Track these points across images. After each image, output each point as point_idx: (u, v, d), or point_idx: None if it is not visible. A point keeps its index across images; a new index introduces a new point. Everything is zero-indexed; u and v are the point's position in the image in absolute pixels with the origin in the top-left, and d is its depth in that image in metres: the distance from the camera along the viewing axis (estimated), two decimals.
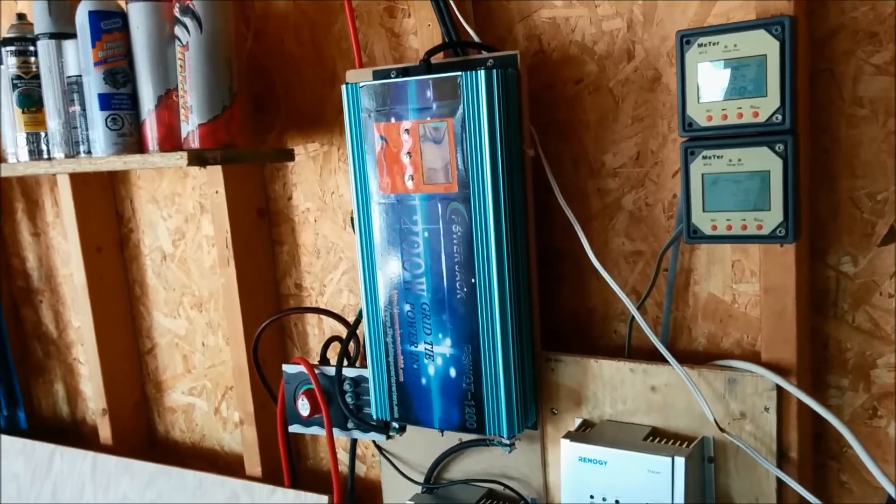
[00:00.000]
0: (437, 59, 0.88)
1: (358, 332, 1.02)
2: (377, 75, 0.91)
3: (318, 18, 1.07)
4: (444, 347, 0.86)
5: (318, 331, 1.18)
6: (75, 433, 1.55)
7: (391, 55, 1.02)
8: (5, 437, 1.45)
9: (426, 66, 0.84)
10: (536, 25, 0.91)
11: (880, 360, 0.78)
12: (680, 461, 0.74)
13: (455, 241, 0.83)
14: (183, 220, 1.28)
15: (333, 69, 1.07)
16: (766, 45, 0.67)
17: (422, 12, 0.92)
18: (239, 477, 1.19)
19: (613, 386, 0.84)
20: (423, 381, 0.88)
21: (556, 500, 0.91)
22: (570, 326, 0.95)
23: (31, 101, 1.11)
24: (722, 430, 0.76)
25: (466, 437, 0.94)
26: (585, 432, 0.84)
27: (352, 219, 1.06)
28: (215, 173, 1.11)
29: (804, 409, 0.76)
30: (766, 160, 0.69)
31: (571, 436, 0.82)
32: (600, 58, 0.87)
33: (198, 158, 0.89)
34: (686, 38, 0.71)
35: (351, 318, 1.05)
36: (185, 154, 0.89)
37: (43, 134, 1.12)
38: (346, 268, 1.13)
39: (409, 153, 0.84)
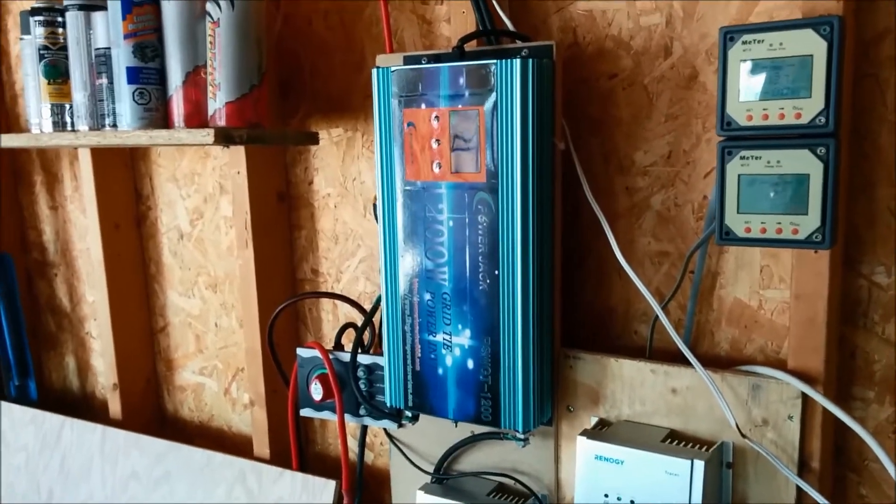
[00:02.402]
0: (470, 47, 0.87)
1: (374, 319, 1.02)
2: (408, 61, 0.90)
3: (348, 3, 1.06)
4: (463, 338, 0.85)
5: (332, 317, 1.18)
6: (84, 407, 1.55)
7: (421, 42, 1.01)
8: (16, 407, 1.45)
9: (459, 53, 0.83)
10: (572, 17, 0.89)
11: None
12: (700, 464, 0.73)
13: (480, 232, 0.82)
14: (202, 199, 1.27)
15: (362, 54, 1.06)
16: (813, 44, 0.66)
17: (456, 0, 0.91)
18: (246, 458, 1.19)
19: (633, 386, 0.83)
20: (440, 370, 0.87)
21: (567, 496, 0.90)
22: (588, 325, 0.94)
23: (57, 72, 1.11)
24: (744, 435, 0.75)
25: (479, 429, 0.94)
26: (602, 431, 0.83)
27: (374, 205, 1.05)
28: (237, 154, 1.10)
29: (828, 420, 0.75)
30: (806, 163, 0.68)
31: (588, 433, 0.81)
32: (636, 53, 0.86)
33: (224, 136, 0.88)
34: (730, 35, 0.70)
35: (367, 306, 1.05)
36: (211, 131, 0.88)
37: (68, 106, 1.11)
38: (363, 255, 1.12)
39: (437, 140, 0.83)
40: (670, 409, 0.81)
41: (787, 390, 0.74)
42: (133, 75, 0.95)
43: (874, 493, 0.80)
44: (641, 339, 0.90)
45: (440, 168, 0.83)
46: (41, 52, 1.11)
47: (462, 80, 0.80)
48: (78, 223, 1.47)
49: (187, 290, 1.33)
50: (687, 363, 0.79)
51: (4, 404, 1.47)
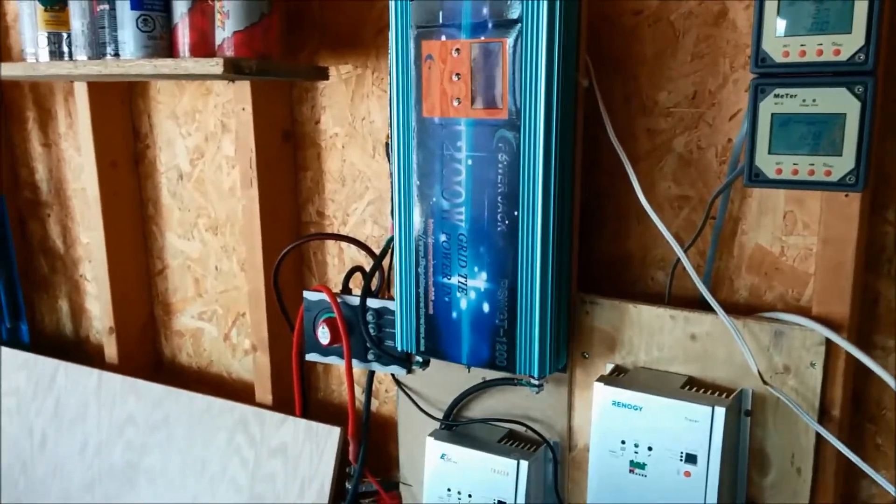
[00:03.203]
0: None
1: (383, 263, 0.99)
2: None
3: None
4: (479, 281, 0.83)
5: (338, 261, 1.15)
6: (78, 351, 1.53)
7: None
8: (6, 350, 1.42)
9: None
10: None
11: None
12: (720, 411, 0.73)
13: (500, 171, 0.79)
14: (203, 138, 1.24)
15: None
16: None
17: None
18: (248, 405, 1.17)
19: (651, 332, 0.82)
20: (454, 314, 0.85)
21: (579, 444, 0.89)
22: (602, 270, 0.92)
23: None
24: (765, 382, 0.74)
25: (491, 375, 0.92)
26: (620, 377, 0.82)
27: (386, 144, 1.02)
28: (243, 89, 1.06)
29: (849, 368, 0.74)
30: (843, 102, 0.65)
31: (606, 379, 0.80)
32: None
33: (233, 66, 0.85)
34: None
35: (375, 250, 1.03)
36: (220, 61, 0.84)
37: (65, 34, 1.07)
38: (371, 197, 1.09)
39: (457, 74, 0.80)
40: (689, 355, 0.80)
41: (810, 337, 0.73)
42: (136, 1, 0.91)
43: (890, 443, 0.79)
44: (657, 286, 0.89)
45: (459, 103, 0.80)
46: None
47: (486, 11, 0.77)
48: (72, 162, 1.43)
49: (186, 231, 1.30)
50: (707, 309, 0.78)
51: None
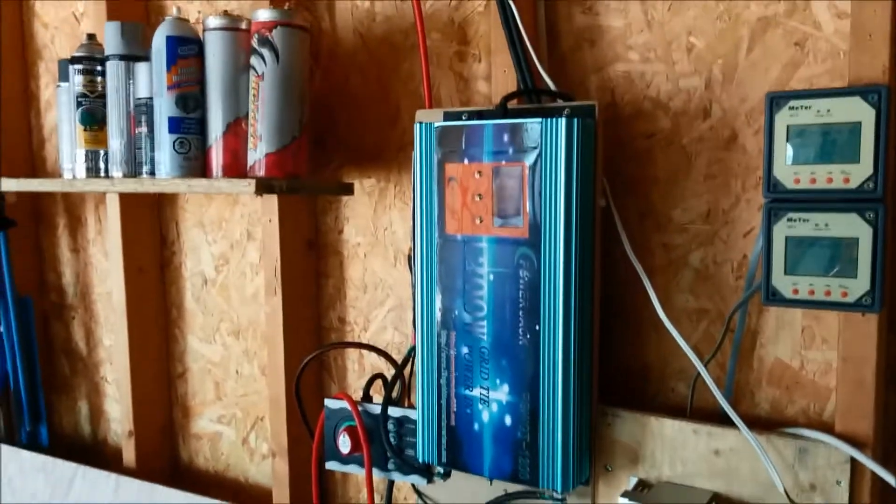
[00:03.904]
0: (511, 104, 0.88)
1: (403, 372, 1.01)
2: (448, 117, 0.91)
3: (385, 58, 1.08)
4: (501, 394, 0.84)
5: (357, 366, 1.17)
6: (95, 453, 1.52)
7: (458, 98, 1.03)
8: (25, 453, 1.42)
9: (503, 111, 0.84)
10: (610, 78, 0.91)
11: None
12: None
13: (521, 287, 0.82)
14: (228, 246, 1.28)
15: (397, 108, 1.08)
16: (861, 112, 0.67)
17: (498, 58, 0.93)
18: None
19: (674, 447, 0.82)
20: (476, 426, 0.86)
21: None
22: (622, 382, 0.93)
23: (94, 119, 1.12)
24: (792, 501, 0.74)
25: (513, 487, 0.92)
26: (644, 492, 0.82)
27: (409, 256, 1.05)
28: (270, 202, 1.10)
29: (876, 484, 0.74)
30: (855, 227, 0.68)
31: (630, 495, 0.80)
32: (675, 114, 0.87)
33: (265, 186, 0.89)
34: (776, 100, 0.71)
35: (395, 356, 1.04)
36: (253, 181, 0.89)
37: (103, 152, 1.12)
38: (392, 305, 1.12)
39: (479, 195, 0.83)
40: (713, 471, 0.80)
41: (835, 454, 0.73)
42: (175, 125, 0.97)
43: None
44: (678, 397, 0.90)
45: (481, 222, 0.83)
46: (79, 99, 1.12)
47: (506, 137, 0.81)
48: (99, 266, 1.46)
49: (209, 336, 1.32)
50: (730, 423, 0.78)
51: (13, 450, 1.44)
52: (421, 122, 0.86)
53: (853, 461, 0.72)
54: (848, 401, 0.74)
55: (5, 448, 1.44)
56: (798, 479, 0.75)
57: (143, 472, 1.35)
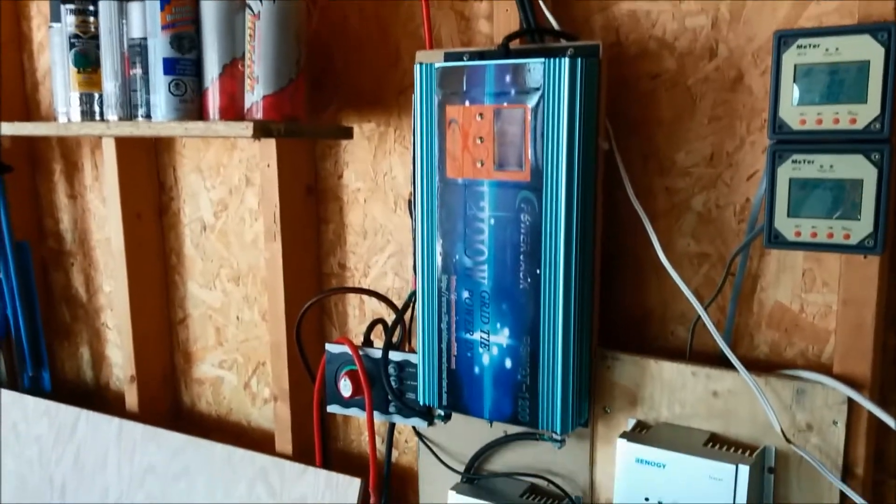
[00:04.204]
0: (513, 45, 0.86)
1: (404, 317, 1.01)
2: (449, 57, 0.89)
3: None
4: (502, 337, 0.84)
5: (358, 312, 1.17)
6: (98, 398, 1.54)
7: (459, 38, 1.01)
8: (29, 398, 1.44)
9: (505, 51, 0.82)
10: (615, 17, 0.89)
11: None
12: (744, 469, 0.73)
13: (522, 231, 0.81)
14: (227, 191, 1.27)
15: (397, 49, 1.05)
16: (870, 50, 0.66)
17: None
18: (267, 454, 1.18)
19: (672, 389, 0.83)
20: (476, 369, 0.87)
21: (602, 498, 0.90)
22: (623, 325, 0.93)
23: (87, 61, 1.10)
24: (789, 440, 0.75)
25: (512, 429, 0.93)
26: (642, 433, 0.83)
27: (409, 201, 1.05)
28: (268, 146, 1.09)
29: (871, 425, 0.75)
30: (860, 168, 0.68)
31: (629, 436, 0.81)
32: (680, 54, 0.86)
33: (263, 129, 0.88)
34: (784, 39, 0.70)
35: (396, 301, 1.04)
36: (250, 124, 0.87)
37: (97, 95, 1.11)
38: (392, 250, 1.11)
39: (481, 138, 0.82)
40: (711, 412, 0.81)
41: (832, 395, 0.74)
42: (169, 66, 0.95)
43: None
44: (678, 341, 0.90)
45: (483, 165, 0.83)
46: (71, 40, 1.10)
47: (508, 78, 0.80)
48: (97, 213, 1.46)
49: (209, 282, 1.33)
50: (728, 366, 0.79)
51: (17, 395, 1.45)
52: (421, 63, 0.85)
53: (850, 402, 0.73)
54: (847, 343, 0.74)
55: (8, 393, 1.46)
56: (795, 419, 0.76)
57: (146, 416, 1.37)
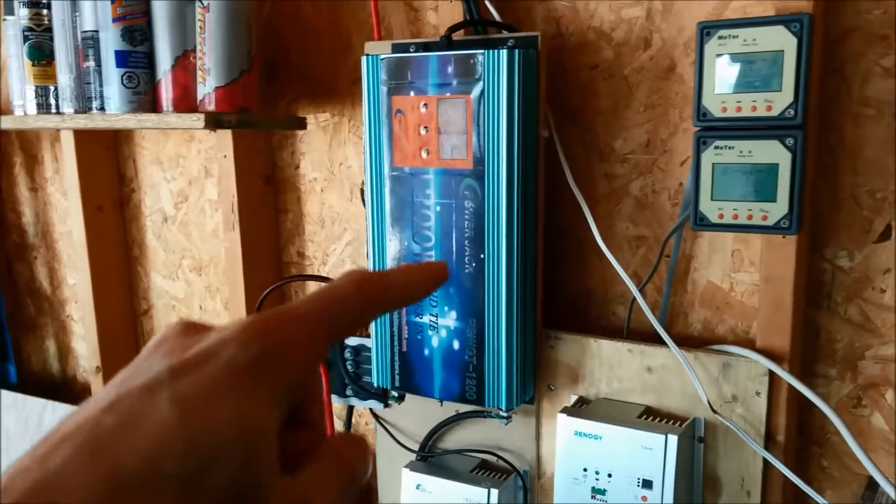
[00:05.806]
0: (457, 35, 0.89)
1: None
2: (396, 49, 0.92)
3: None
4: (450, 320, 0.88)
5: None
6: (65, 390, 1.56)
7: (409, 29, 1.03)
8: None
9: (447, 42, 0.85)
10: (556, 9, 0.92)
11: (868, 352, 0.81)
12: (673, 439, 0.78)
13: (466, 217, 0.85)
14: (186, 182, 1.28)
15: (349, 40, 1.08)
16: (784, 40, 0.70)
17: None
18: None
19: (611, 365, 0.87)
20: (426, 351, 0.90)
21: (547, 471, 0.94)
22: (567, 306, 0.97)
23: (41, 53, 1.11)
24: (714, 411, 0.79)
25: (464, 408, 0.97)
26: (581, 408, 0.87)
27: (361, 190, 1.07)
28: (224, 137, 1.11)
29: (792, 396, 0.79)
30: (776, 153, 0.72)
31: (568, 411, 0.85)
32: (617, 45, 0.89)
33: (214, 121, 0.90)
34: (707, 30, 0.73)
35: None
36: (201, 116, 0.90)
37: (52, 88, 1.12)
38: (349, 238, 1.14)
39: (425, 127, 0.85)
40: (646, 386, 0.85)
41: (755, 368, 0.78)
42: (121, 59, 0.96)
43: (835, 465, 0.85)
44: (619, 321, 0.94)
45: (428, 154, 0.86)
46: (25, 33, 1.11)
47: (450, 69, 0.83)
48: (59, 205, 1.47)
49: (171, 272, 1.34)
50: (662, 343, 0.83)
51: None
52: (368, 55, 0.87)
53: (771, 374, 0.78)
54: (768, 318, 0.78)
55: None
56: (721, 391, 0.80)
57: None
